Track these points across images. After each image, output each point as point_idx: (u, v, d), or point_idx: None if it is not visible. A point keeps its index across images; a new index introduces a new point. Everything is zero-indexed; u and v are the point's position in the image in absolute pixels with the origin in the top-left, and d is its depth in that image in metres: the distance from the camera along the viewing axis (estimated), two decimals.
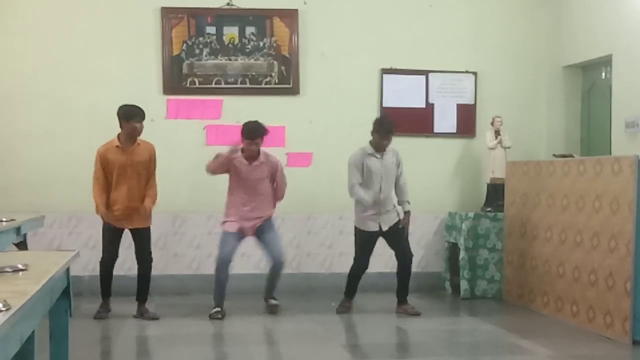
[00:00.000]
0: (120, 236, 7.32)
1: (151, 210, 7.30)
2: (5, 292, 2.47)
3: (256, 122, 7.41)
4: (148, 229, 7.36)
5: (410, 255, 7.57)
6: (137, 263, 7.39)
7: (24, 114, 8.51)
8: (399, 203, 7.60)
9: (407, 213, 7.55)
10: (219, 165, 7.33)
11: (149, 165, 7.30)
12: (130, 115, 7.12)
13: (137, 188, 7.21)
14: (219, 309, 7.34)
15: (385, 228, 7.44)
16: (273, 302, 7.62)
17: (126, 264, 8.15)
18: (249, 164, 7.38)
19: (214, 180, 8.29)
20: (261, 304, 7.87)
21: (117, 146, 7.16)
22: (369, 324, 7.28)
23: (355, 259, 7.58)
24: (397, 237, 7.51)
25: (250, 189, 7.40)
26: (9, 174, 8.42)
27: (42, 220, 7.54)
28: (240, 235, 7.45)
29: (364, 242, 7.50)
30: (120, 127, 7.19)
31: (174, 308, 7.67)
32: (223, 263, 7.38)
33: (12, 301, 2.32)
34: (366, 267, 7.54)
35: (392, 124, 7.50)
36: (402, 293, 7.62)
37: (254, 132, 7.34)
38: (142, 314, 7.35)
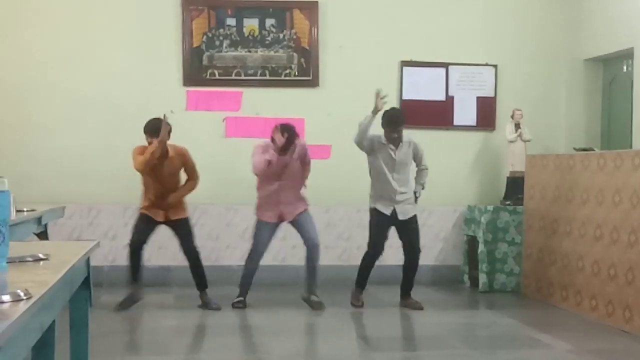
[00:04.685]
0: (152, 226, 7.31)
1: (179, 201, 7.32)
2: (27, 282, 2.49)
3: (290, 127, 7.27)
4: (185, 220, 7.38)
5: (418, 250, 7.49)
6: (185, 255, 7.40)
7: (42, 107, 8.56)
8: (415, 183, 7.55)
9: (416, 197, 7.52)
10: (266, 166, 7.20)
11: (185, 169, 7.38)
12: (155, 131, 7.03)
13: (172, 189, 7.30)
14: (242, 298, 7.38)
15: (401, 217, 7.38)
16: (315, 298, 7.42)
17: (145, 254, 8.19)
18: (283, 155, 7.27)
19: (232, 171, 8.34)
20: (279, 296, 7.90)
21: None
22: (385, 317, 7.27)
23: (369, 243, 7.47)
24: (410, 230, 7.45)
25: (283, 174, 7.32)
26: (28, 165, 8.45)
27: (63, 210, 7.60)
28: (277, 223, 7.43)
29: (378, 224, 7.41)
30: (148, 143, 7.12)
31: (192, 299, 7.67)
32: (257, 255, 7.42)
33: (33, 290, 2.33)
34: (380, 252, 7.43)
35: (400, 115, 7.44)
36: (406, 287, 7.56)
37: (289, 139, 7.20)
38: (205, 304, 7.38)
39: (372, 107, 7.28)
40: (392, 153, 7.37)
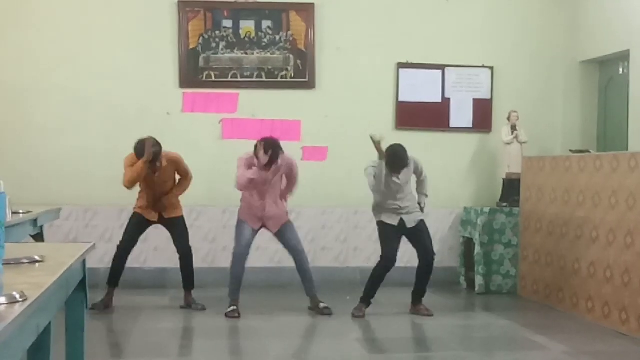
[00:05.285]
0: (144, 227, 7.42)
1: (177, 200, 7.44)
2: (22, 284, 2.49)
3: (274, 143, 7.13)
4: (180, 219, 7.47)
5: (433, 254, 7.32)
6: (178, 253, 7.48)
7: (40, 108, 8.55)
8: (418, 194, 7.44)
9: (421, 207, 7.41)
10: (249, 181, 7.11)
11: (178, 172, 7.43)
12: (140, 154, 7.07)
13: (165, 194, 7.39)
14: (235, 307, 7.18)
15: (409, 225, 7.24)
16: (323, 305, 7.33)
17: (142, 256, 8.20)
18: (266, 171, 7.13)
19: (229, 173, 8.29)
20: (276, 298, 7.90)
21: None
22: (384, 319, 7.26)
23: (382, 255, 7.26)
24: (422, 234, 7.31)
25: (265, 192, 7.24)
26: (25, 167, 8.45)
27: (59, 212, 7.59)
28: (259, 229, 7.36)
29: (387, 235, 7.24)
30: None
31: None
32: (241, 256, 7.27)
33: (28, 292, 2.33)
34: (393, 263, 7.20)
35: (403, 158, 7.10)
36: (418, 293, 7.41)
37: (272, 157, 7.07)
38: (188, 304, 7.43)
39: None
40: (396, 179, 7.16)
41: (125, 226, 7.48)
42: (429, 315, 7.28)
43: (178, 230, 7.45)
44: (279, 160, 7.14)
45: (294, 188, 7.45)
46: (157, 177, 7.25)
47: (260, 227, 7.36)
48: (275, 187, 7.32)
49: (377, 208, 7.33)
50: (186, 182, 7.48)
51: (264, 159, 7.00)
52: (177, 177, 7.51)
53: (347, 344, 6.37)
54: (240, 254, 7.27)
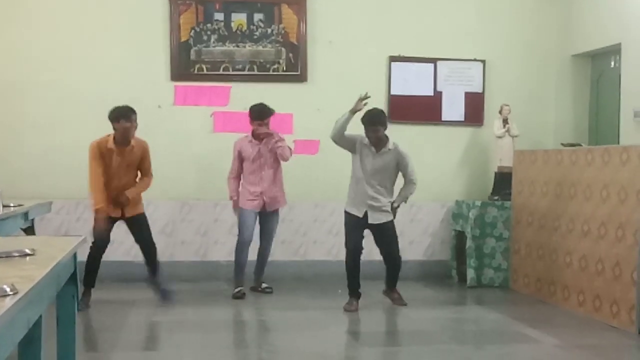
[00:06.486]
0: (111, 225, 7.17)
1: (134, 198, 7.17)
2: (13, 277, 2.48)
3: (262, 103, 7.72)
4: (142, 215, 7.28)
5: (398, 259, 7.29)
6: (142, 249, 7.32)
7: (32, 103, 8.51)
8: (398, 195, 7.30)
9: (394, 208, 7.23)
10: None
11: (142, 164, 7.22)
12: (119, 115, 6.96)
13: (129, 185, 7.16)
14: (241, 287, 7.63)
15: (371, 221, 7.13)
16: (265, 284, 7.93)
17: (132, 250, 8.17)
18: (260, 144, 7.67)
19: (220, 166, 8.30)
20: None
21: (110, 148, 6.99)
22: (374, 312, 7.28)
23: (346, 247, 7.25)
24: (386, 237, 7.22)
25: (262, 166, 7.68)
26: (17, 161, 8.42)
27: (50, 206, 7.57)
28: (258, 212, 7.72)
29: (350, 225, 7.20)
30: (113, 128, 7.03)
31: (181, 295, 7.66)
32: (245, 244, 7.66)
33: (19, 285, 2.32)
34: (358, 251, 7.17)
35: (378, 115, 7.11)
36: (390, 281, 7.44)
37: (264, 112, 7.65)
38: (155, 285, 7.42)
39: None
40: (371, 157, 7.10)
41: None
42: (402, 305, 7.33)
43: (141, 228, 7.27)
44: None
45: (286, 154, 7.69)
46: (125, 157, 7.03)
47: (260, 210, 7.70)
48: (270, 162, 7.69)
49: (349, 196, 7.29)
50: (146, 181, 7.28)
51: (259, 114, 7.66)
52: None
53: (337, 336, 6.37)
54: (244, 241, 7.67)
